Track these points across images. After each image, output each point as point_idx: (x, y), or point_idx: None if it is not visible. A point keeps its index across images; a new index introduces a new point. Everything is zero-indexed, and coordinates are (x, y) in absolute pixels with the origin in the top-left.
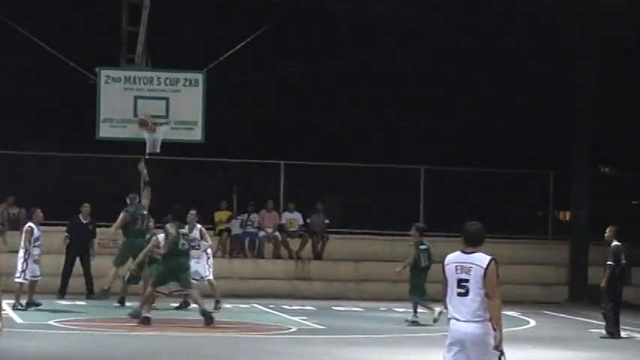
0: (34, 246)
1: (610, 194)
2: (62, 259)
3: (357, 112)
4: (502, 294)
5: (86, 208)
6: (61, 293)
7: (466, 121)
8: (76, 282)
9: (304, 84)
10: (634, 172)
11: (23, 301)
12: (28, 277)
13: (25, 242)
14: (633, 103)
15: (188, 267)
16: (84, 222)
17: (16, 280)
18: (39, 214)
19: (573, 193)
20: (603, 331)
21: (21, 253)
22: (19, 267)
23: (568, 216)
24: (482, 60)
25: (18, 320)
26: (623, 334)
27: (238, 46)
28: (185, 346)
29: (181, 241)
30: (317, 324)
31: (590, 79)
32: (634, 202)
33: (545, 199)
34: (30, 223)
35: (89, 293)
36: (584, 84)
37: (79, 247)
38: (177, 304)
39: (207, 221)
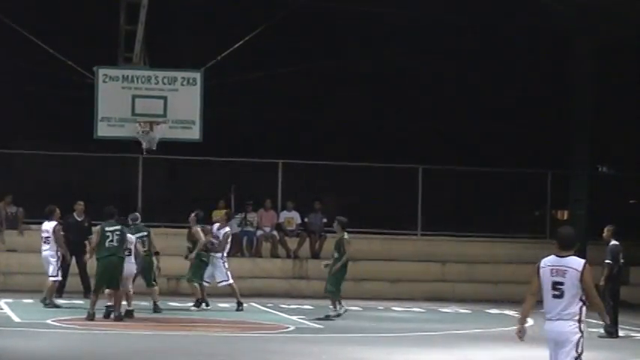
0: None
1: (608, 194)
2: None
3: (356, 112)
4: (500, 293)
5: (80, 206)
6: (59, 292)
7: (464, 120)
8: (74, 281)
9: (302, 83)
10: (632, 171)
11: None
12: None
13: (55, 242)
14: (632, 103)
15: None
16: (78, 220)
17: (52, 279)
18: (58, 212)
19: (571, 193)
20: (601, 330)
21: (52, 252)
22: (54, 265)
23: (566, 215)
24: (480, 59)
25: (16, 319)
26: (621, 333)
27: (236, 45)
28: (183, 344)
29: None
30: (315, 323)
31: (588, 79)
32: (632, 202)
33: (543, 199)
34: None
35: (86, 292)
36: (582, 84)
37: (74, 246)
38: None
39: (205, 220)
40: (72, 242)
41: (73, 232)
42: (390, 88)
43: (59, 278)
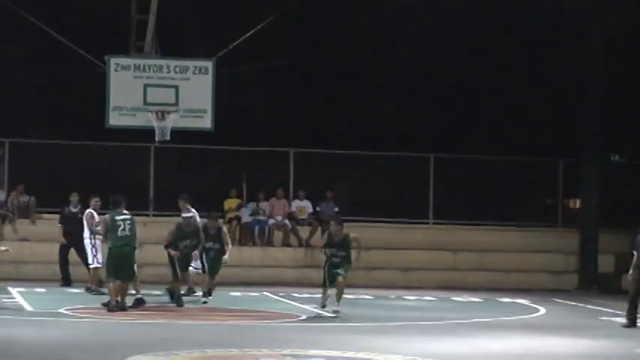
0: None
1: (620, 182)
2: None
3: (368, 101)
4: (512, 282)
5: (75, 197)
6: (66, 281)
7: (476, 109)
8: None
9: (314, 73)
10: None
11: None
12: (100, 261)
13: (89, 228)
14: None
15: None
16: (73, 211)
17: (91, 266)
18: (97, 202)
19: (583, 182)
20: (624, 320)
21: (87, 240)
22: (90, 252)
23: (578, 204)
24: (492, 50)
25: (28, 308)
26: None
27: (248, 34)
28: (195, 333)
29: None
30: (326, 312)
31: (599, 68)
32: None
33: (554, 188)
34: (90, 209)
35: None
36: (594, 71)
37: (71, 237)
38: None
39: (217, 209)
40: (68, 233)
41: (68, 223)
42: (402, 78)
43: (98, 265)
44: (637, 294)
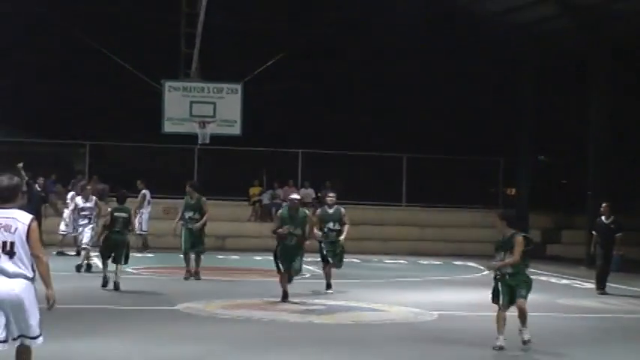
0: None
1: (544, 176)
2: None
3: (358, 113)
4: (463, 249)
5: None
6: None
7: (439, 119)
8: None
9: (317, 93)
10: (562, 159)
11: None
12: (145, 228)
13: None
14: (564, 105)
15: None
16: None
17: (138, 232)
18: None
19: (517, 175)
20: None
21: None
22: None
23: (514, 192)
24: (447, 70)
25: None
26: (552, 279)
27: (266, 65)
28: (227, 287)
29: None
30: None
31: (529, 86)
32: (563, 182)
33: (496, 179)
34: (145, 190)
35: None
36: (524, 88)
37: None
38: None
39: (244, 195)
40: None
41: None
42: (384, 97)
43: (141, 232)
44: (603, 267)
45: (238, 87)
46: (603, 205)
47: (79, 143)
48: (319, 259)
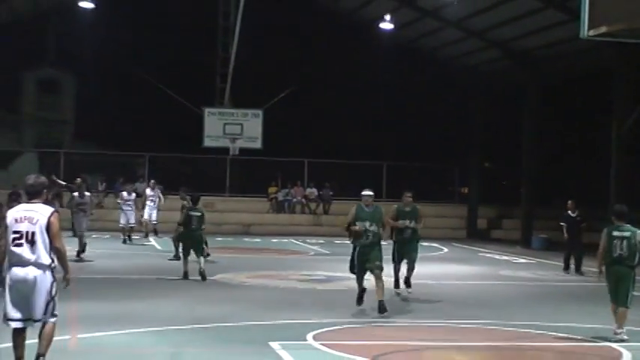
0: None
1: (489, 178)
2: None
3: (346, 130)
4: (427, 233)
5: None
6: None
7: (411, 135)
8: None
9: (319, 116)
10: (503, 165)
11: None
12: (153, 218)
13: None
14: (504, 124)
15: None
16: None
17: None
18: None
19: (469, 178)
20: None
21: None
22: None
23: (466, 190)
24: (417, 100)
25: (158, 247)
26: (496, 256)
27: (280, 96)
28: (251, 262)
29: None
30: (325, 250)
31: (479, 110)
32: (503, 183)
33: (453, 180)
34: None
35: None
36: (475, 111)
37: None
38: None
39: (264, 193)
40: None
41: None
42: (368, 117)
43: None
44: (569, 253)
45: (259, 112)
46: (569, 202)
47: (140, 154)
48: (321, 242)
